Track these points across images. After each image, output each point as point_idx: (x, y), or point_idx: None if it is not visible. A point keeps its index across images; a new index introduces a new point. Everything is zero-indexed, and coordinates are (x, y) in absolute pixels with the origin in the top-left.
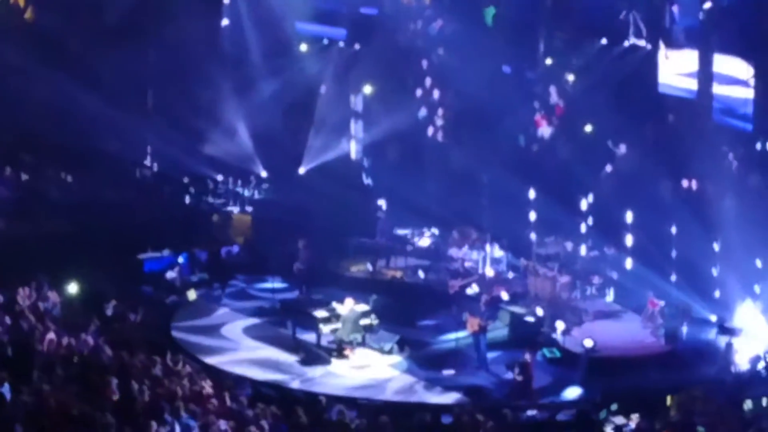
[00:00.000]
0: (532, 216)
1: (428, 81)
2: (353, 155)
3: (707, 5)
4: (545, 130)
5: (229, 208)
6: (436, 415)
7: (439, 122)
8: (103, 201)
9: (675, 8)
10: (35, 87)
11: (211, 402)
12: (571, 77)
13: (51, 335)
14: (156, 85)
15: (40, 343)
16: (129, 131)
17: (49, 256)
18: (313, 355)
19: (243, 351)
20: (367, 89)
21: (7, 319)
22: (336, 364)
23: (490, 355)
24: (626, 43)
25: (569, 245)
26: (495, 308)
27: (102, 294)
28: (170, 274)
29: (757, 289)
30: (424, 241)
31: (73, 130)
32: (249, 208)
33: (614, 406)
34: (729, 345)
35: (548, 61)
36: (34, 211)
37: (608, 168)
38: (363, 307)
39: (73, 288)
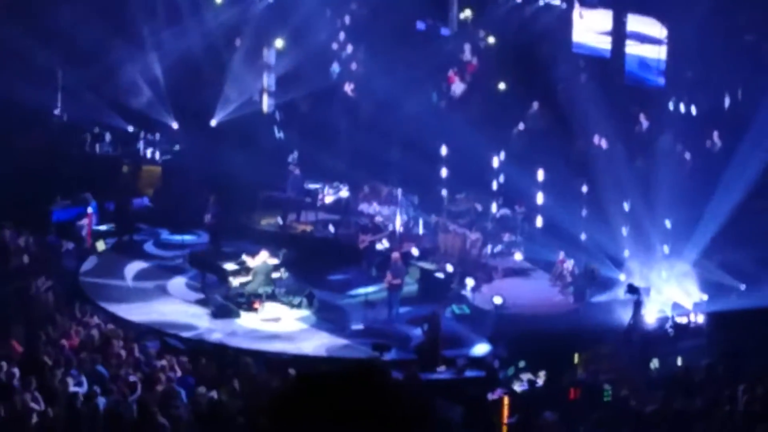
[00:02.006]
0: (444, 172)
1: (342, 36)
2: (265, 108)
3: None
4: (458, 87)
5: (140, 160)
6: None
7: (352, 77)
8: (12, 148)
9: None
10: None
11: (119, 353)
12: (484, 35)
13: None
14: (68, 32)
15: None
16: (39, 79)
17: None
18: (222, 308)
19: (152, 302)
20: (279, 43)
21: None
22: (245, 317)
23: (400, 310)
24: (541, 2)
25: (480, 203)
26: (405, 264)
27: (9, 243)
28: (79, 224)
29: (665, 249)
30: (335, 196)
31: None
32: (159, 160)
33: (522, 363)
34: (636, 304)
35: (462, 18)
36: None
37: (520, 126)
38: (273, 261)
39: None
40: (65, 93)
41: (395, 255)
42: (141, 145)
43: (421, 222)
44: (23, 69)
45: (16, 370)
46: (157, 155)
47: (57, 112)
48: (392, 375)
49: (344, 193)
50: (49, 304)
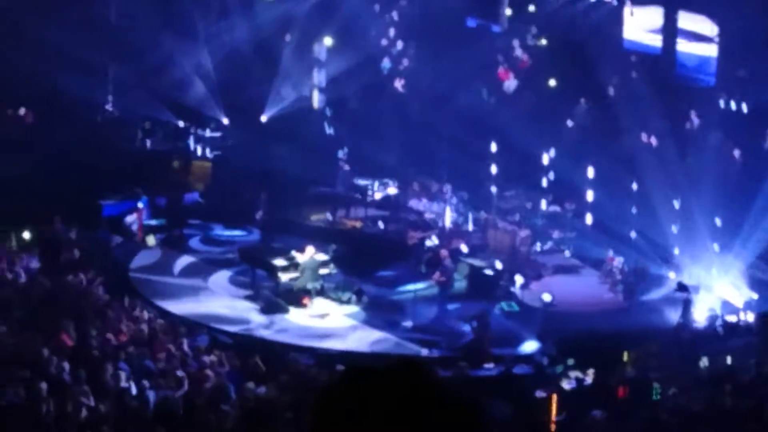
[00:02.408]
0: (493, 169)
1: (392, 32)
2: (315, 104)
3: None
4: (509, 84)
5: (190, 155)
6: None
7: (402, 74)
8: (62, 144)
9: None
10: None
11: (169, 348)
12: (535, 31)
13: (9, 277)
14: (120, 28)
15: None
16: (91, 73)
17: (6, 198)
18: (272, 304)
19: (201, 298)
20: (329, 40)
21: None
22: (294, 312)
23: (449, 307)
24: None
25: (529, 200)
26: (454, 261)
27: (60, 237)
28: (129, 219)
29: (716, 247)
30: (384, 192)
31: (34, 70)
32: (209, 155)
33: (571, 361)
34: (686, 302)
35: (513, 15)
36: None
37: (570, 123)
38: (322, 257)
39: (30, 231)
40: (116, 88)
41: (444, 252)
42: (191, 140)
43: (470, 219)
44: (74, 64)
45: (66, 364)
46: (208, 150)
47: (108, 107)
48: (439, 372)
49: (393, 189)
50: (99, 299)
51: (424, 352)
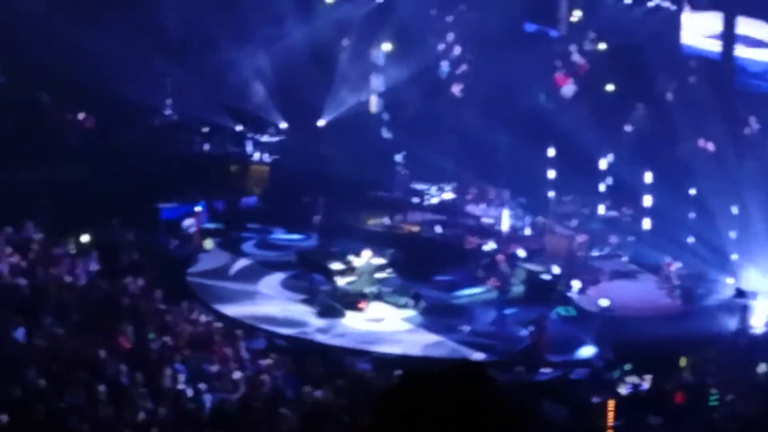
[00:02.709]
0: (551, 174)
1: (450, 36)
2: (373, 109)
3: None
4: (567, 89)
5: (247, 159)
6: None
7: (460, 78)
8: (121, 148)
9: None
10: (56, 29)
11: (225, 351)
12: (593, 36)
13: (67, 280)
14: (176, 32)
15: (54, 288)
16: (148, 78)
17: (65, 201)
18: (328, 307)
19: (258, 301)
20: (387, 45)
21: (23, 264)
22: (350, 316)
23: (506, 312)
24: (650, 3)
25: (587, 205)
26: (511, 266)
27: (119, 241)
28: (187, 223)
29: None
30: (442, 197)
31: (92, 74)
32: (267, 159)
33: (628, 366)
34: (744, 308)
35: (571, 20)
36: (52, 155)
37: (628, 128)
38: (379, 261)
39: (89, 234)
40: (175, 92)
41: (500, 257)
42: (249, 144)
43: (528, 223)
44: (133, 68)
45: (124, 367)
46: (266, 155)
47: (167, 111)
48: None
49: (451, 193)
50: (157, 302)
51: (481, 356)
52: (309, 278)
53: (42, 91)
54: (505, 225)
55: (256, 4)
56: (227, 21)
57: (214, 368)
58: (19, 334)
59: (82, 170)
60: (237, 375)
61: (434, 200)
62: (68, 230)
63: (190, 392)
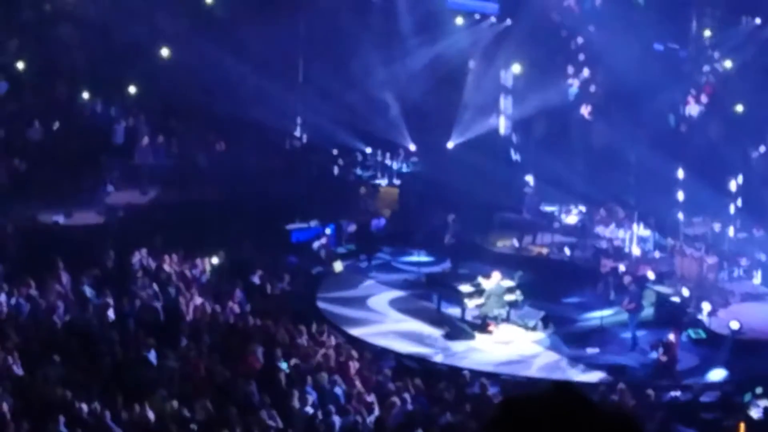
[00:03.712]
0: (680, 195)
1: (580, 57)
2: (502, 131)
3: None
4: (693, 109)
5: (377, 181)
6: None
7: (589, 99)
8: (252, 170)
9: None
10: (186, 55)
11: (355, 373)
12: (722, 56)
13: (198, 302)
14: (307, 55)
15: (187, 310)
16: (279, 101)
17: (198, 224)
18: (457, 330)
19: (387, 323)
20: (516, 67)
21: (156, 286)
22: (480, 339)
23: (636, 334)
24: None
25: (717, 226)
26: (641, 288)
27: (249, 263)
28: (317, 245)
29: None
30: (571, 218)
31: (224, 99)
32: (396, 181)
33: (759, 389)
34: None
35: (700, 40)
36: (185, 179)
37: (760, 149)
38: (508, 283)
39: (221, 256)
40: (306, 115)
41: (627, 278)
42: (379, 166)
43: (657, 245)
44: (266, 92)
45: (253, 388)
46: (395, 177)
47: (297, 133)
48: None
49: (580, 215)
50: (287, 323)
51: (611, 378)
52: (438, 300)
53: (174, 119)
54: (635, 247)
55: (386, 27)
56: (357, 44)
57: (345, 390)
58: (152, 356)
59: (215, 192)
60: (367, 398)
61: (564, 221)
62: (200, 252)
63: (320, 415)
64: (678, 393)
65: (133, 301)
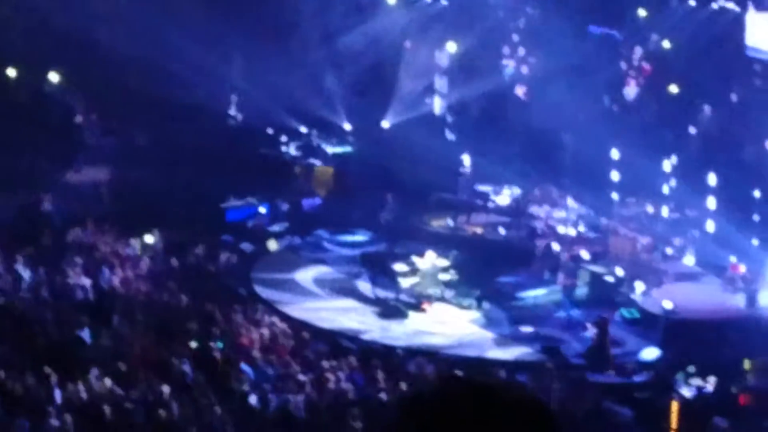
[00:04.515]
0: (615, 176)
1: (515, 38)
2: (437, 110)
3: None
4: (630, 90)
5: (312, 161)
6: (512, 371)
7: (525, 80)
8: (188, 149)
9: None
10: (123, 35)
11: (290, 352)
12: (658, 38)
13: (133, 281)
14: (243, 36)
15: (121, 289)
16: (216, 81)
17: (133, 202)
18: (392, 309)
19: (322, 302)
20: (452, 46)
21: (90, 265)
22: (414, 317)
23: (569, 313)
24: (715, 5)
25: (650, 208)
26: (576, 267)
27: (184, 242)
28: (251, 224)
29: None
30: (506, 199)
31: (160, 78)
32: (332, 161)
33: (691, 369)
34: None
35: (636, 22)
36: (120, 158)
37: (693, 130)
38: (443, 262)
39: (155, 235)
40: (240, 95)
41: (566, 256)
42: (314, 145)
43: (591, 225)
44: (200, 70)
45: (188, 367)
46: (330, 156)
47: (232, 113)
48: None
49: (515, 195)
50: (223, 303)
51: (544, 357)
52: (373, 279)
53: (111, 95)
54: (569, 227)
55: (320, 7)
56: (291, 24)
57: (279, 369)
58: (85, 334)
59: (151, 171)
60: (302, 376)
61: (498, 202)
62: (134, 231)
63: (255, 393)
64: (611, 372)
65: (67, 279)
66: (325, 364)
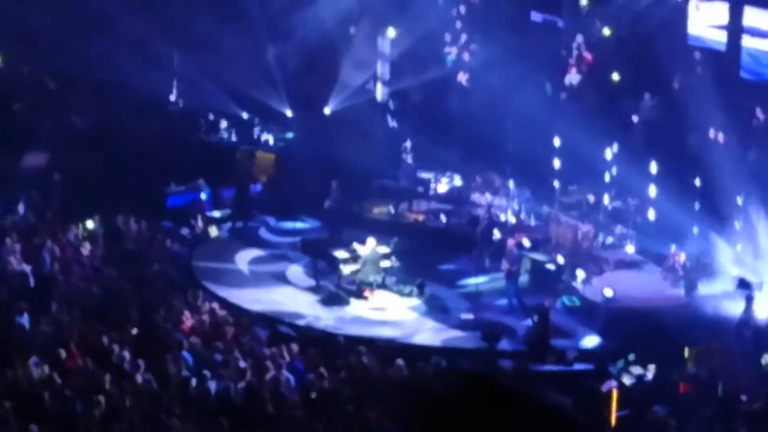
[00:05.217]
0: (556, 164)
1: (457, 24)
2: (379, 97)
3: None
4: (572, 78)
5: (253, 147)
6: (453, 359)
7: (467, 67)
8: (128, 135)
9: None
10: (63, 18)
11: (230, 339)
12: (600, 26)
13: (72, 267)
14: (185, 19)
15: (61, 275)
16: (156, 66)
17: (73, 188)
18: (333, 296)
19: (263, 289)
20: (392, 32)
21: (29, 251)
22: (355, 305)
23: (510, 301)
24: None
25: (591, 197)
26: (517, 255)
27: (124, 228)
28: (193, 210)
29: None
30: (447, 186)
31: (100, 62)
32: (273, 148)
33: (632, 356)
34: (749, 298)
35: (578, 10)
36: (59, 142)
37: (634, 118)
38: (384, 249)
39: (95, 221)
40: (181, 80)
41: (510, 242)
42: (255, 132)
43: (533, 213)
44: (140, 56)
45: (127, 354)
46: (271, 142)
47: (173, 98)
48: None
49: (457, 182)
50: (163, 289)
51: (485, 345)
52: (313, 266)
53: (49, 79)
54: (510, 214)
55: None
56: (232, 9)
57: (219, 356)
58: (24, 320)
59: (88, 158)
60: (242, 363)
61: (440, 189)
62: (75, 217)
63: (195, 379)
64: (552, 360)
65: (4, 265)
66: (266, 351)
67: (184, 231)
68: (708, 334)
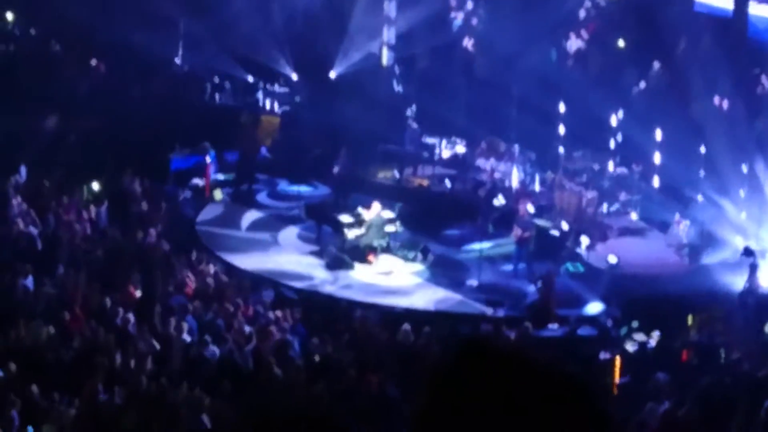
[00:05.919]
0: (561, 130)
1: None
2: (384, 62)
3: None
4: (577, 44)
5: (258, 110)
6: (456, 324)
7: (472, 32)
8: (133, 97)
9: None
10: None
11: (233, 303)
12: None
13: (77, 230)
14: None
15: (65, 237)
16: (161, 27)
17: (77, 150)
18: (337, 260)
19: (267, 253)
20: None
21: (34, 213)
22: (359, 269)
23: (514, 267)
24: None
25: (597, 161)
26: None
27: (128, 191)
28: (197, 173)
29: None
30: (452, 151)
31: (104, 24)
32: (278, 111)
33: (635, 323)
34: (752, 266)
35: None
36: (63, 104)
37: (640, 85)
38: (388, 214)
39: (100, 184)
40: (186, 42)
41: (522, 208)
42: (260, 95)
43: (537, 179)
44: (145, 18)
45: (131, 316)
46: (276, 106)
47: (178, 61)
48: (503, 331)
49: (461, 148)
50: (166, 252)
51: (489, 311)
52: (317, 231)
53: (53, 41)
54: (515, 180)
55: None
56: None
57: (223, 320)
58: (28, 282)
59: (93, 120)
60: (246, 327)
61: (444, 154)
62: (79, 179)
63: (197, 344)
64: (555, 327)
65: (9, 227)
66: (270, 315)
67: (188, 194)
68: (711, 302)
